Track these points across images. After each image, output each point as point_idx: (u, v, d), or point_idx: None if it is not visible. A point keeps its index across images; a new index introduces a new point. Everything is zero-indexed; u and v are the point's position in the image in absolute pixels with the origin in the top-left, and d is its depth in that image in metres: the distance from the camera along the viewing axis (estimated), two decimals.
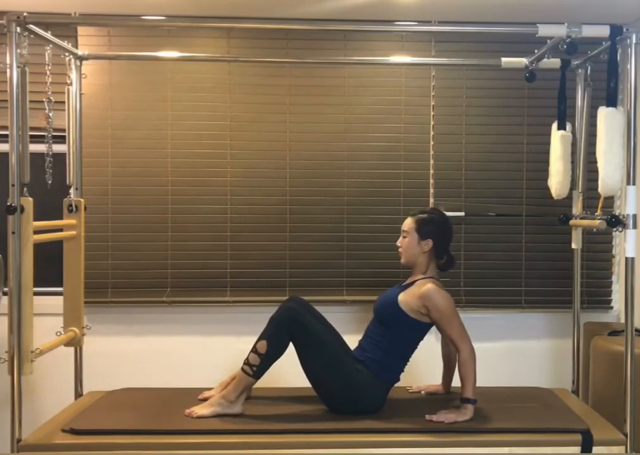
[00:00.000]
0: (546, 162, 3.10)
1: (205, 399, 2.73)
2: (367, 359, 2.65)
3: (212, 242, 3.38)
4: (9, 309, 2.38)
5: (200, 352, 3.39)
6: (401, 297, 2.65)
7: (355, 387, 2.59)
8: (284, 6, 3.10)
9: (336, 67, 3.39)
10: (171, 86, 3.36)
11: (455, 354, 2.71)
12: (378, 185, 3.41)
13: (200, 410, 2.58)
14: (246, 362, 2.59)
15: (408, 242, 2.72)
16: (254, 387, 2.78)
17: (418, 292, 2.60)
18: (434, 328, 2.84)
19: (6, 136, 2.43)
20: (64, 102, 2.90)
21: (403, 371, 2.72)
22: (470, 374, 2.53)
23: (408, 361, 2.72)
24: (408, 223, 2.74)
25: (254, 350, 2.58)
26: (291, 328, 2.57)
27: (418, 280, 2.68)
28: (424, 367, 3.27)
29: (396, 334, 2.65)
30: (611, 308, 3.48)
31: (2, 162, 2.83)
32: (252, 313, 3.26)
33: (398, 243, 2.77)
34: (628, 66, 2.47)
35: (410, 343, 2.70)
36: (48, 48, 2.71)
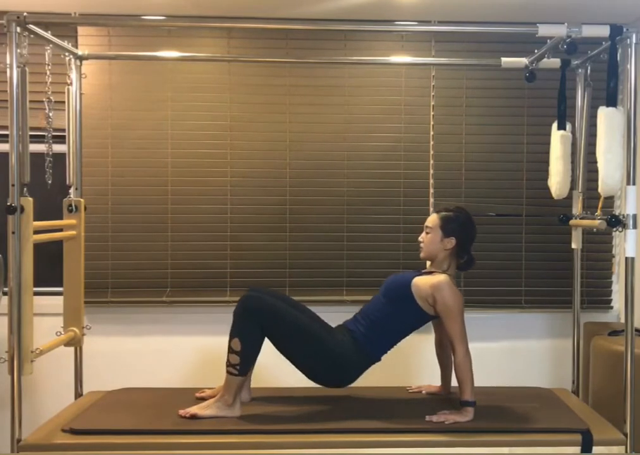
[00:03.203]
0: (546, 162, 3.10)
1: (202, 398, 2.73)
2: (358, 331, 2.64)
3: (212, 242, 3.38)
4: (9, 309, 2.38)
5: (200, 352, 3.39)
6: (415, 281, 2.63)
7: (334, 355, 2.59)
8: (284, 6, 3.10)
9: (336, 67, 3.39)
10: (171, 86, 3.36)
11: (450, 355, 2.71)
12: (378, 185, 3.41)
13: (197, 411, 2.57)
14: (228, 363, 2.57)
15: (431, 238, 2.69)
16: (253, 387, 2.78)
17: (431, 281, 2.59)
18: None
19: (6, 136, 2.43)
20: (64, 102, 2.89)
21: (386, 352, 2.69)
22: (467, 376, 2.52)
23: (395, 344, 2.70)
24: (433, 219, 2.71)
25: (230, 350, 2.56)
26: (257, 315, 2.55)
27: (436, 272, 2.67)
28: (424, 367, 3.28)
29: (395, 314, 2.64)
30: (611, 308, 3.48)
31: (2, 162, 2.83)
32: None
33: (420, 238, 2.74)
34: (628, 66, 2.47)
35: (404, 327, 2.67)
36: (48, 48, 2.71)
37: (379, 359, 2.70)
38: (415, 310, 2.63)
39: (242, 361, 2.55)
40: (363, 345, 2.63)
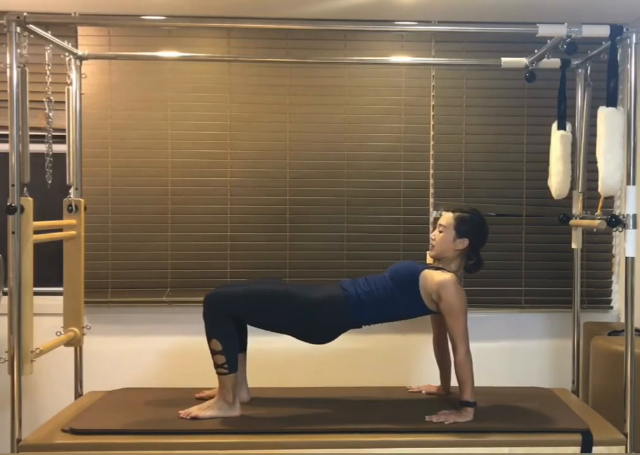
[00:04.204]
0: (546, 162, 3.10)
1: (202, 398, 2.73)
2: (353, 290, 2.63)
3: (212, 242, 3.38)
4: (9, 309, 2.38)
5: (200, 352, 3.37)
6: (425, 273, 2.63)
7: (313, 306, 2.59)
8: (284, 6, 3.10)
9: (336, 67, 3.39)
10: (171, 86, 3.36)
11: (448, 356, 2.70)
12: (378, 185, 3.41)
13: (198, 412, 2.57)
14: (216, 365, 2.58)
15: (443, 237, 2.69)
16: (253, 387, 2.78)
17: (438, 278, 2.58)
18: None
19: (6, 136, 2.43)
20: (64, 102, 2.90)
21: (369, 324, 2.68)
22: (467, 376, 2.52)
23: (382, 322, 2.70)
24: (447, 219, 2.71)
25: (212, 352, 2.57)
26: (223, 310, 2.56)
27: (444, 269, 2.67)
28: (424, 367, 3.28)
29: (395, 296, 2.62)
30: (611, 308, 3.48)
31: (2, 162, 2.83)
32: None
33: (432, 236, 2.74)
34: (628, 66, 2.47)
35: (399, 311, 2.66)
36: (48, 48, 2.71)
37: (359, 326, 2.68)
38: (415, 300, 2.62)
39: (228, 358, 2.56)
40: (351, 305, 2.61)
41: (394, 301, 2.63)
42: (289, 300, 2.60)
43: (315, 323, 2.61)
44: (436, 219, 3.35)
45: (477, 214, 2.74)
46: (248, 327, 2.75)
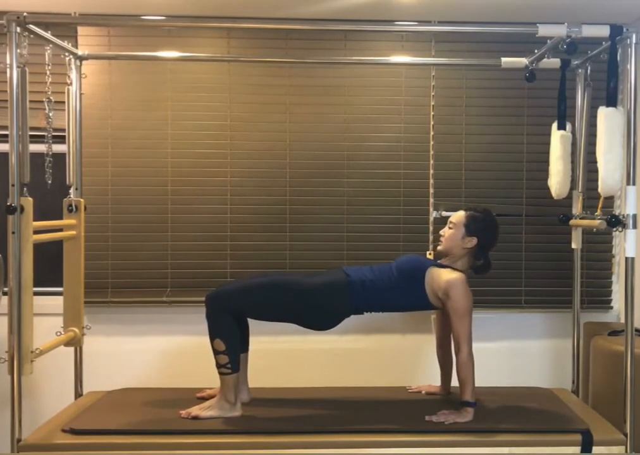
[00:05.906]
0: (546, 162, 3.10)
1: (202, 398, 2.73)
2: (356, 276, 2.63)
3: (212, 242, 3.38)
4: (9, 309, 2.38)
5: (200, 352, 3.38)
6: (432, 269, 2.63)
7: (315, 291, 2.60)
8: (284, 6, 3.10)
9: (336, 67, 3.39)
10: (171, 86, 3.36)
11: (450, 357, 2.70)
12: (378, 185, 3.41)
13: (199, 412, 2.57)
14: (218, 365, 2.59)
15: (453, 234, 2.70)
16: (254, 387, 2.79)
17: (447, 277, 2.58)
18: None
19: (6, 136, 2.44)
20: (64, 102, 2.90)
21: (370, 311, 2.68)
22: (469, 376, 2.53)
23: (382, 311, 2.70)
24: (459, 216, 2.72)
25: (215, 352, 2.58)
26: (225, 309, 2.58)
27: (451, 267, 2.67)
28: (424, 367, 3.28)
29: (399, 288, 2.62)
30: (611, 308, 3.48)
31: (2, 162, 2.83)
32: None
33: (442, 232, 2.75)
34: (628, 66, 2.47)
35: (401, 303, 2.66)
36: (48, 48, 2.71)
37: (361, 312, 2.68)
38: (418, 294, 2.62)
39: (231, 358, 2.57)
40: (353, 290, 2.61)
41: (397, 291, 2.63)
42: (290, 287, 2.61)
43: (317, 308, 2.61)
44: (437, 219, 3.36)
45: (488, 215, 2.75)
46: (250, 326, 2.76)
